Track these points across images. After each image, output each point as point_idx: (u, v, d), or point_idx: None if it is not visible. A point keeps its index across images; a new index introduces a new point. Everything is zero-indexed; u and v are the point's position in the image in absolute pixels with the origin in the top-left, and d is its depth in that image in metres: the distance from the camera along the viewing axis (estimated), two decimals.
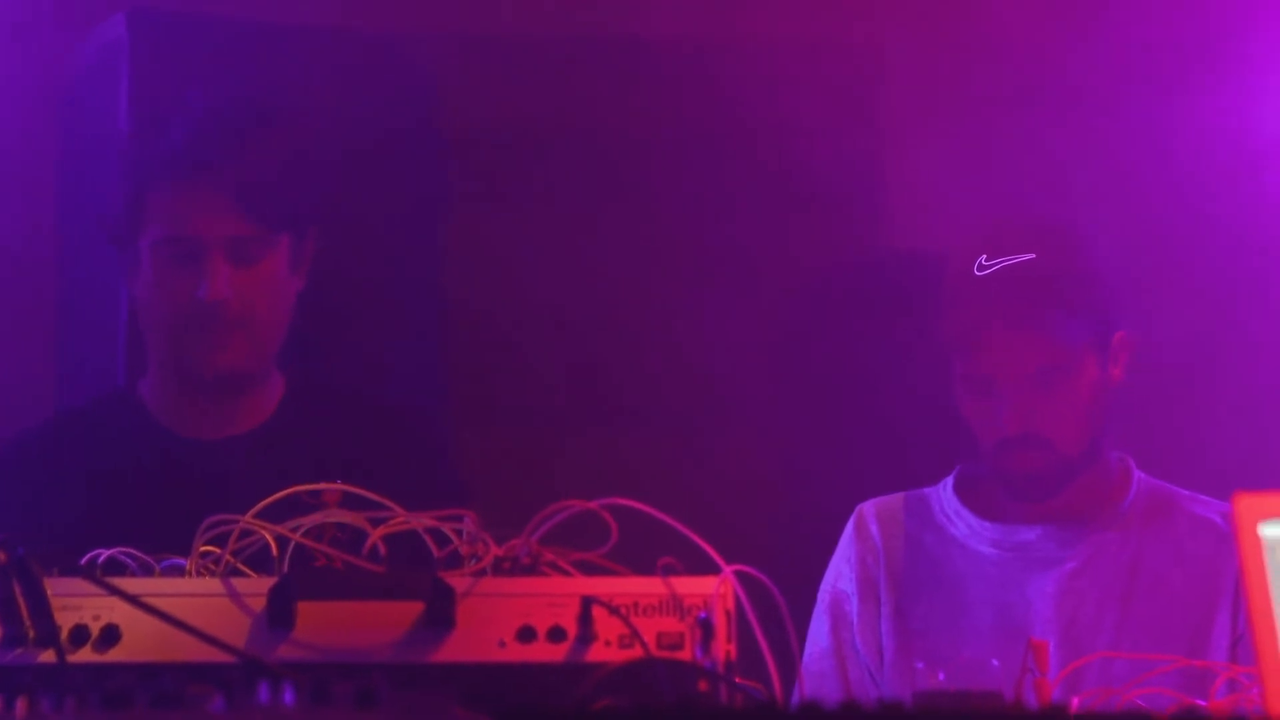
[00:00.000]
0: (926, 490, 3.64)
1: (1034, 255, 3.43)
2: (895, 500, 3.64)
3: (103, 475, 3.33)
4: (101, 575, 2.43)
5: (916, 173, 3.98)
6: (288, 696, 1.99)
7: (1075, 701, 2.78)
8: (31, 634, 2.37)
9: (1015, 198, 3.92)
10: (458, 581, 2.40)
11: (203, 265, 3.29)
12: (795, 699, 2.64)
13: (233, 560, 2.51)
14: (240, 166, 3.30)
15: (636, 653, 2.36)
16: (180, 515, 2.58)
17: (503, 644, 2.38)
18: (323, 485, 2.56)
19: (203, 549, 2.54)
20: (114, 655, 2.38)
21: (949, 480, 3.63)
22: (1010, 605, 3.51)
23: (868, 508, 3.63)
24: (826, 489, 3.78)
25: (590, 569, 2.46)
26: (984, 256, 3.43)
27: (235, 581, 2.44)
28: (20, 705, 1.96)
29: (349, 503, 2.56)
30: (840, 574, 3.60)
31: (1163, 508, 3.56)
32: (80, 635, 2.39)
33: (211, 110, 3.34)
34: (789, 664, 2.44)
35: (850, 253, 3.99)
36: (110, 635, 2.39)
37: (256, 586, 2.43)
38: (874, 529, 3.60)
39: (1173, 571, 3.51)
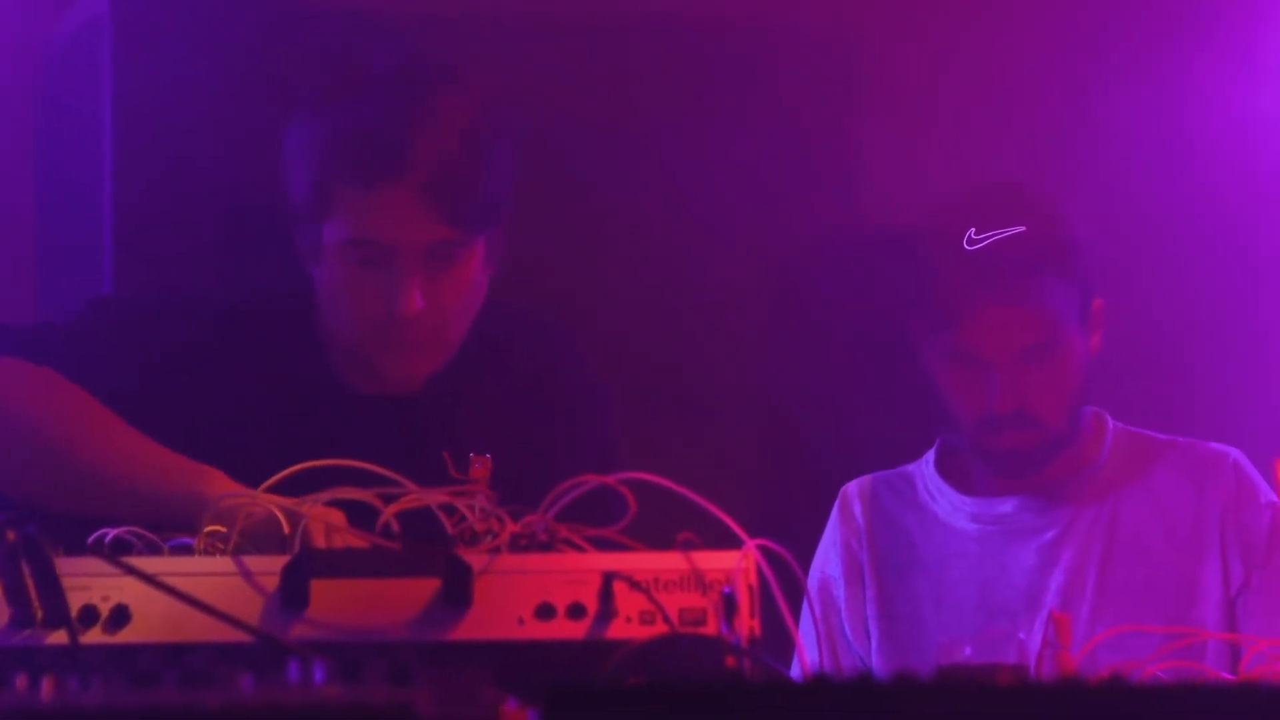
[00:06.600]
0: (910, 467, 3.60)
1: (1024, 228, 3.38)
2: (879, 479, 3.59)
3: (271, 393, 3.09)
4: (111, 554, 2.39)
5: (889, 147, 3.95)
6: (318, 675, 1.95)
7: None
8: (39, 615, 2.32)
9: (988, 167, 3.88)
10: (474, 559, 2.36)
11: (395, 275, 2.97)
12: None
13: (240, 539, 2.48)
14: (435, 164, 2.96)
15: (658, 629, 2.32)
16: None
17: (521, 621, 2.34)
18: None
19: (209, 529, 2.51)
20: (125, 636, 2.34)
21: (930, 455, 3.59)
22: (991, 580, 3.47)
23: (852, 488, 3.59)
24: (828, 463, 3.74)
25: (606, 545, 2.43)
26: (973, 230, 3.39)
27: (246, 560, 2.39)
28: (46, 685, 1.91)
29: (357, 479, 2.52)
30: (827, 558, 3.56)
31: (1138, 457, 3.51)
32: (89, 616, 2.34)
33: (397, 95, 2.99)
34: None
35: (849, 226, 3.96)
36: (120, 616, 2.34)
37: (268, 565, 2.38)
38: (857, 510, 3.56)
39: (1152, 526, 3.46)
